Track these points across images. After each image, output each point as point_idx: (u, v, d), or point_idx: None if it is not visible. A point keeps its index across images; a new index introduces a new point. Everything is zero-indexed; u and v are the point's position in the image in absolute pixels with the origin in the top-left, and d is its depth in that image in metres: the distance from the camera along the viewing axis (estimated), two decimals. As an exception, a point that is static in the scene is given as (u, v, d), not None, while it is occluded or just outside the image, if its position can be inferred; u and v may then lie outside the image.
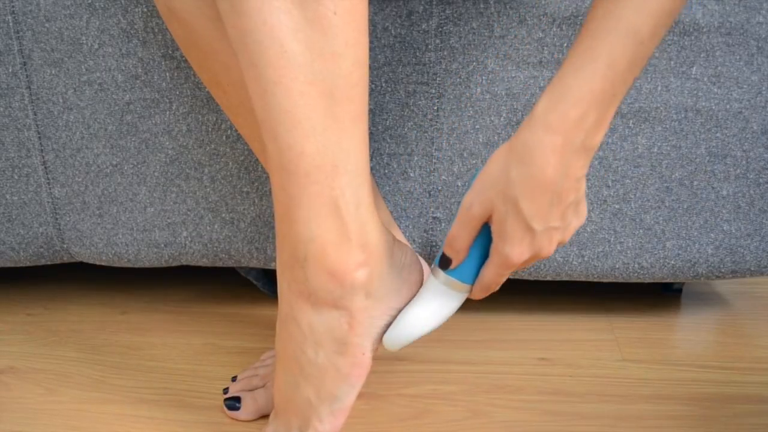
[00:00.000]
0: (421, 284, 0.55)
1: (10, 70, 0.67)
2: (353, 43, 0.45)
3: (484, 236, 0.49)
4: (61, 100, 0.68)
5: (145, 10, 0.63)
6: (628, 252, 0.70)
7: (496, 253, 0.48)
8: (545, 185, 0.44)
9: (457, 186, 0.68)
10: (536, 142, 0.44)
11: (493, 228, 0.47)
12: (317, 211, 0.47)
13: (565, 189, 0.45)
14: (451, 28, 0.62)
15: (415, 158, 0.67)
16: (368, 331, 0.52)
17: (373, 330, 0.52)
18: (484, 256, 0.50)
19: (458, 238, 0.49)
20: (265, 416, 0.61)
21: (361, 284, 0.50)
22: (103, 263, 0.76)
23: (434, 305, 0.52)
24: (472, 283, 0.51)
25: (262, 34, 0.43)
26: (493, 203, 0.46)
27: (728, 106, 0.64)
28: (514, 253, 0.47)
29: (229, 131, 0.67)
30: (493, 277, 0.49)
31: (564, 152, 0.43)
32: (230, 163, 0.68)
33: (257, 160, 0.68)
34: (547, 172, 0.44)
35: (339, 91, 0.45)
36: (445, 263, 0.51)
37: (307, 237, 0.48)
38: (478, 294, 0.52)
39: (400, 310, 0.54)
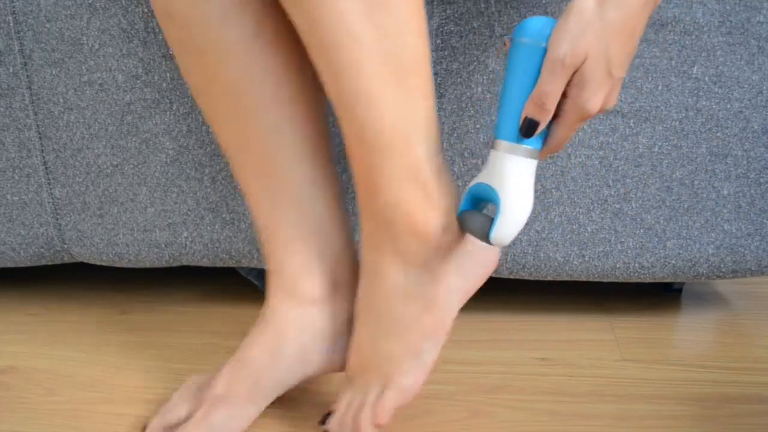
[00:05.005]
0: (493, 267, 0.58)
1: (11, 71, 0.67)
2: (414, 18, 0.48)
3: (528, 79, 0.46)
4: (61, 101, 0.68)
5: (146, 10, 0.63)
6: (629, 252, 0.70)
7: (574, 107, 0.46)
8: (635, 30, 0.45)
9: (458, 186, 0.68)
10: None
11: (575, 78, 0.45)
12: (399, 180, 0.50)
13: (637, 37, 0.46)
14: (452, 28, 0.62)
15: (416, 158, 0.67)
16: (452, 291, 0.55)
17: (457, 290, 0.55)
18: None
19: (551, 95, 0.46)
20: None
21: (446, 244, 0.52)
22: (103, 263, 0.76)
23: (517, 181, 0.48)
24: (539, 147, 0.48)
25: (332, 21, 0.46)
26: (588, 50, 0.44)
27: (729, 106, 0.64)
28: (595, 102, 0.46)
29: (229, 131, 0.67)
30: (565, 134, 0.48)
31: None
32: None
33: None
34: (633, 13, 0.44)
35: (407, 66, 0.48)
36: (530, 129, 0.47)
37: (393, 203, 0.51)
38: (545, 154, 0.50)
39: (483, 276, 0.57)
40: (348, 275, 0.58)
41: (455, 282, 0.54)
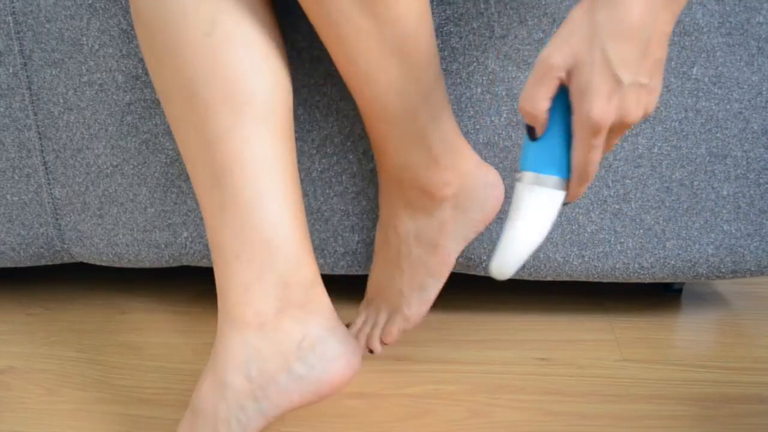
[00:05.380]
0: (502, 200, 0.62)
1: (11, 71, 0.67)
2: (414, 3, 0.50)
3: (564, 114, 0.44)
4: (61, 101, 0.68)
5: (146, 10, 0.63)
6: (629, 252, 0.70)
7: (579, 119, 0.43)
8: (634, 29, 0.41)
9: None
10: None
11: (574, 87, 0.43)
12: (406, 146, 0.56)
13: (653, 40, 0.42)
14: (452, 29, 0.62)
15: (416, 158, 0.68)
16: (454, 236, 0.62)
17: (458, 235, 0.62)
18: (570, 138, 0.45)
19: (536, 97, 0.44)
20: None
21: (449, 197, 0.60)
22: (103, 264, 0.76)
23: (531, 214, 0.46)
24: (567, 177, 0.46)
25: (338, 18, 0.49)
26: (576, 52, 0.42)
27: (728, 107, 0.64)
28: (599, 110, 0.42)
29: (229, 131, 0.67)
30: (583, 154, 0.45)
31: None
32: (230, 164, 0.68)
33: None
34: (636, 14, 0.41)
35: (408, 46, 0.51)
36: (530, 133, 0.46)
37: (401, 165, 0.58)
38: (576, 185, 0.46)
39: (483, 222, 0.62)
40: (299, 295, 0.53)
41: (457, 228, 0.61)
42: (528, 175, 0.47)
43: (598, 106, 0.42)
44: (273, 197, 0.51)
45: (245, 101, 0.50)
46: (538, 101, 0.44)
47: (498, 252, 0.47)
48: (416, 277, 0.64)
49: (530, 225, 0.47)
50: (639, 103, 0.43)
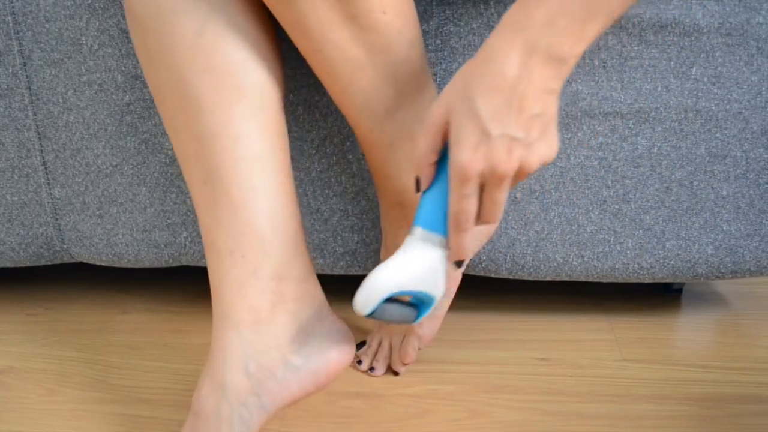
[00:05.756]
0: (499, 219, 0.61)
1: (10, 71, 0.67)
2: (406, 29, 0.50)
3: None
4: (61, 101, 0.68)
5: (145, 10, 0.63)
6: (628, 252, 0.70)
7: (452, 165, 0.44)
8: (504, 82, 0.42)
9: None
10: (499, 41, 0.43)
11: (450, 136, 0.44)
12: (406, 170, 0.57)
13: (528, 95, 0.42)
14: (452, 29, 0.62)
15: (415, 158, 0.68)
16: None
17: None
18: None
19: (420, 149, 0.47)
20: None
21: None
22: (103, 263, 0.76)
23: (403, 259, 0.48)
24: (445, 235, 0.48)
25: (329, 50, 0.50)
26: (451, 104, 0.44)
27: (728, 107, 0.64)
28: (465, 159, 0.43)
29: (229, 131, 0.67)
30: (455, 203, 0.45)
31: (526, 52, 0.42)
32: (230, 164, 0.68)
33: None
34: (507, 68, 0.42)
35: (402, 72, 0.52)
36: (416, 185, 0.49)
37: (401, 189, 0.59)
38: (453, 235, 0.47)
39: (486, 236, 0.62)
40: (293, 288, 0.54)
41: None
42: (417, 231, 0.48)
43: (464, 155, 0.43)
44: (265, 193, 0.52)
45: (236, 99, 0.50)
46: (422, 154, 0.47)
47: (360, 288, 0.47)
48: None
49: (398, 272, 0.47)
50: (511, 155, 0.43)
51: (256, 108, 0.51)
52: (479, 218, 0.47)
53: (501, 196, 0.45)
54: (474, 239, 0.54)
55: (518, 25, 0.42)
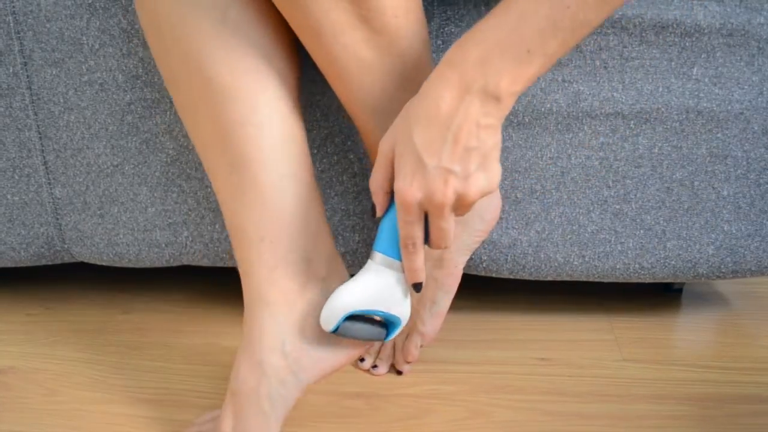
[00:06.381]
0: (500, 207, 0.64)
1: (11, 71, 0.67)
2: (416, 32, 0.51)
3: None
4: (62, 101, 0.68)
5: (146, 10, 0.63)
6: (629, 252, 0.70)
7: (395, 192, 0.48)
8: (438, 117, 0.45)
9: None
10: (436, 77, 0.46)
11: (394, 165, 0.48)
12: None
13: (462, 130, 0.44)
14: (452, 29, 0.62)
15: (416, 158, 0.68)
16: (458, 249, 0.63)
17: (462, 247, 0.63)
18: None
19: (374, 177, 0.50)
20: None
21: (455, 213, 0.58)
22: (104, 263, 0.76)
23: (362, 281, 0.52)
24: (400, 259, 0.51)
25: (340, 52, 0.50)
26: (395, 136, 0.47)
27: (729, 107, 0.64)
28: (406, 187, 0.46)
29: (229, 131, 0.67)
30: (401, 228, 0.49)
31: (461, 90, 0.44)
32: (231, 163, 0.68)
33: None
34: (441, 104, 0.44)
35: (411, 74, 0.52)
36: (372, 211, 0.52)
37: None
38: (405, 258, 0.50)
39: (484, 232, 0.63)
40: (321, 268, 0.56)
41: (460, 241, 0.62)
42: (376, 256, 0.52)
43: (401, 184, 0.47)
44: (291, 178, 0.53)
45: (261, 88, 0.52)
46: (376, 182, 0.50)
47: (324, 307, 0.52)
48: (426, 292, 0.65)
49: (355, 293, 0.51)
50: (447, 186, 0.45)
51: (278, 95, 0.53)
52: (430, 244, 0.50)
53: (444, 224, 0.48)
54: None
55: (454, 63, 0.45)
